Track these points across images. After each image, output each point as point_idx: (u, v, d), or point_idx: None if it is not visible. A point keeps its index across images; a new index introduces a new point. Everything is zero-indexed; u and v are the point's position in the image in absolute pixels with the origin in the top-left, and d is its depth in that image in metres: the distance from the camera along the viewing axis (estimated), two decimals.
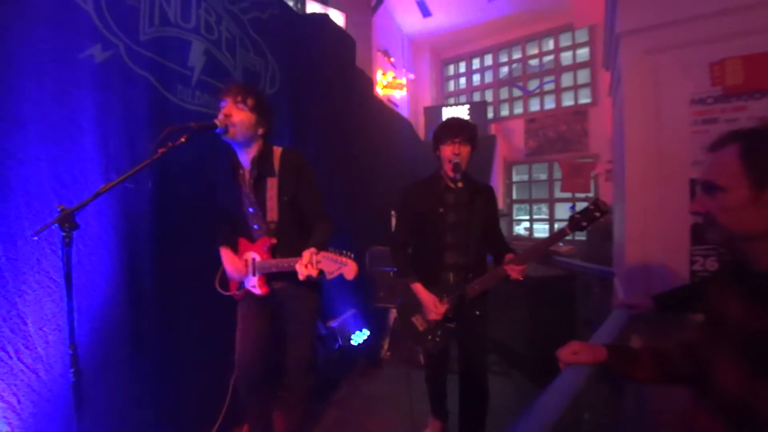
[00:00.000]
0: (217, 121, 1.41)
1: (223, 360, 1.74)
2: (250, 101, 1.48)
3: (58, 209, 1.07)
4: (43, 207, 1.33)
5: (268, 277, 1.57)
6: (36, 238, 1.16)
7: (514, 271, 1.57)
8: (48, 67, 1.35)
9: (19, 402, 1.27)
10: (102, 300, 1.49)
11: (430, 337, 1.75)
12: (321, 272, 1.41)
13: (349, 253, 1.38)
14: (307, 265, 1.35)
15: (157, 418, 1.68)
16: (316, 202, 1.59)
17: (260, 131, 1.54)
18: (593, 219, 1.48)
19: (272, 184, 1.54)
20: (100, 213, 1.48)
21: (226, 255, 1.62)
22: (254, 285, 1.57)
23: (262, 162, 1.54)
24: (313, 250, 1.40)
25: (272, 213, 1.54)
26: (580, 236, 5.73)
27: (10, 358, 1.27)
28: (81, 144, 1.44)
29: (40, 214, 1.31)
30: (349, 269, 1.36)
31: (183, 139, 1.25)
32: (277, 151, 1.59)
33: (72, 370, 1.09)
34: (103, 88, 1.50)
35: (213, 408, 1.83)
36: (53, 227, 1.07)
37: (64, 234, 1.06)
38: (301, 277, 1.40)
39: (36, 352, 1.32)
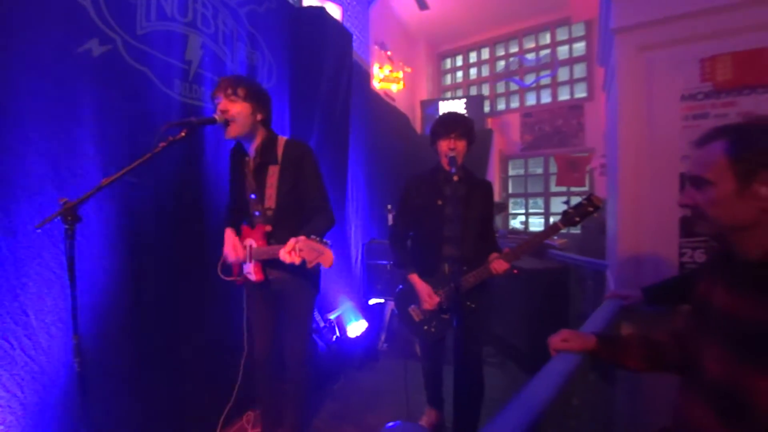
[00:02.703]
0: (216, 116, 1.43)
1: (229, 347, 1.77)
2: (241, 91, 1.48)
3: (61, 203, 1.09)
4: (44, 201, 1.34)
5: (265, 265, 1.59)
6: (39, 231, 1.18)
7: (497, 268, 1.61)
8: (46, 62, 1.36)
9: (22, 392, 1.30)
10: (104, 291, 1.51)
11: (425, 327, 1.79)
12: (303, 260, 1.36)
13: (327, 242, 1.36)
14: (290, 252, 1.32)
15: (163, 407, 1.71)
16: (317, 193, 1.59)
17: (259, 117, 1.55)
18: (586, 214, 1.49)
19: (273, 172, 1.56)
20: (101, 206, 1.50)
21: (227, 235, 1.64)
22: (249, 271, 1.59)
23: (266, 150, 1.56)
24: (300, 237, 1.35)
25: (270, 200, 1.57)
26: (575, 229, 5.79)
27: (13, 349, 1.29)
28: (81, 138, 1.45)
29: (41, 208, 1.32)
30: (326, 258, 1.33)
31: (183, 134, 1.27)
32: (282, 140, 1.61)
33: (76, 359, 1.12)
34: (102, 82, 1.51)
35: (221, 395, 1.86)
36: (55, 220, 1.09)
37: (66, 227, 1.08)
38: (283, 259, 1.36)
39: (38, 343, 1.34)
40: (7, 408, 1.26)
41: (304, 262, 1.37)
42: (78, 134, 1.45)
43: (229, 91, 1.47)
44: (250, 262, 1.59)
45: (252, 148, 1.58)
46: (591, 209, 1.49)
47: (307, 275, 1.65)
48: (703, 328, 0.89)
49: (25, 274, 1.32)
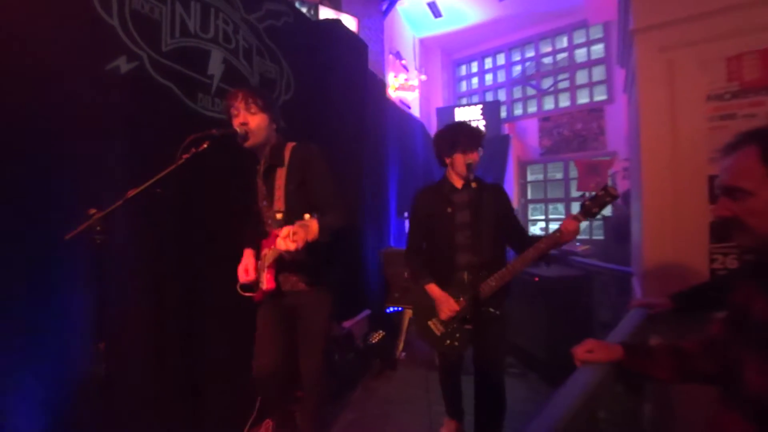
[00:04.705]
0: (237, 128, 1.47)
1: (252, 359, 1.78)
2: (260, 102, 1.51)
3: (89, 214, 1.13)
4: (74, 212, 1.39)
5: (278, 275, 1.57)
6: (68, 241, 1.23)
7: (570, 232, 1.54)
8: (76, 79, 1.43)
9: (48, 399, 1.34)
10: (130, 300, 1.56)
11: (448, 341, 1.74)
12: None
13: (313, 216, 1.29)
14: (285, 238, 1.23)
15: (185, 416, 1.74)
16: (327, 190, 1.54)
17: (274, 126, 1.59)
18: (604, 204, 1.49)
19: (281, 174, 1.56)
20: (127, 217, 1.55)
21: (244, 255, 1.67)
22: (263, 280, 1.58)
23: (274, 154, 1.57)
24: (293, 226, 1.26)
25: (279, 202, 1.55)
26: (598, 236, 5.64)
27: (41, 355, 1.34)
28: (108, 151, 1.52)
29: (71, 219, 1.38)
30: (311, 230, 1.25)
31: (205, 146, 1.30)
32: (290, 145, 1.61)
33: (101, 366, 1.15)
34: (129, 97, 1.58)
35: (244, 405, 1.88)
36: (85, 231, 1.14)
37: (95, 237, 1.12)
38: (279, 247, 1.28)
39: (66, 350, 1.39)
40: (34, 415, 1.31)
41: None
42: (106, 147, 1.51)
43: (250, 100, 1.49)
44: (264, 270, 1.58)
45: (262, 155, 1.60)
46: (608, 199, 1.49)
47: (323, 290, 1.63)
48: (742, 339, 0.84)
49: (55, 283, 1.37)
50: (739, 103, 1.54)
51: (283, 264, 1.56)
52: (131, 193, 1.18)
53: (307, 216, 1.28)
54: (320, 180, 1.55)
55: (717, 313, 1.25)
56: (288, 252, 1.26)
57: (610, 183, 5.40)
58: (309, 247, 1.32)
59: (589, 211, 1.51)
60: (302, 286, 1.60)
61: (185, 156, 1.25)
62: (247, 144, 1.51)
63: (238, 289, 1.69)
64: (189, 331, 1.78)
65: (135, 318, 1.57)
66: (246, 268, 1.64)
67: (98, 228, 1.11)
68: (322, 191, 1.54)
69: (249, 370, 1.68)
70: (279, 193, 1.55)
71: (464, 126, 1.79)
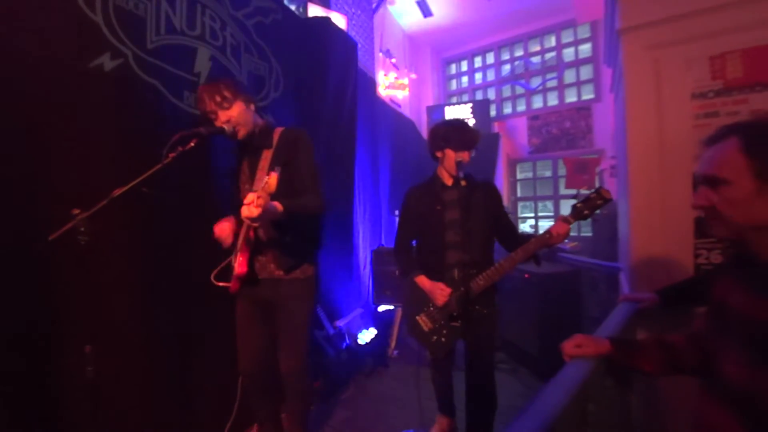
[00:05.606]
0: (225, 126, 1.45)
1: (234, 360, 1.76)
2: (227, 92, 1.46)
3: (74, 214, 1.11)
4: (60, 212, 1.36)
5: (253, 260, 1.52)
6: (53, 241, 1.20)
7: (560, 235, 1.55)
8: (59, 76, 1.39)
9: (34, 402, 1.31)
10: (116, 303, 1.53)
11: (435, 337, 1.74)
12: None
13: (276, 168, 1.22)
14: (248, 204, 1.19)
15: (168, 418, 1.71)
16: (309, 175, 1.52)
17: (252, 107, 1.56)
18: (595, 207, 1.49)
19: (266, 156, 1.54)
20: (113, 217, 1.52)
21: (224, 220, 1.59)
22: (235, 263, 1.49)
23: (261, 136, 1.56)
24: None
25: (258, 183, 1.46)
26: (586, 232, 5.71)
27: (27, 359, 1.31)
28: (93, 150, 1.48)
29: (56, 219, 1.35)
30: (269, 185, 1.18)
31: (192, 144, 1.28)
32: (279, 129, 1.60)
33: (88, 369, 1.13)
34: (114, 95, 1.54)
35: (224, 408, 1.86)
36: (70, 231, 1.11)
37: (79, 237, 1.10)
38: (243, 215, 1.22)
39: (53, 353, 1.36)
40: (21, 418, 1.28)
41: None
42: (90, 146, 1.47)
43: (218, 99, 1.45)
44: (238, 252, 1.50)
45: (250, 137, 1.56)
46: (600, 202, 1.49)
47: (305, 279, 1.58)
48: (720, 331, 0.86)
49: (40, 284, 1.34)
50: (723, 101, 1.58)
51: (258, 247, 1.52)
52: (117, 192, 1.16)
53: (273, 173, 1.19)
54: (303, 162, 1.53)
55: (702, 308, 1.28)
56: (250, 218, 1.20)
57: (597, 181, 5.48)
58: (284, 227, 1.29)
59: (580, 213, 1.52)
60: (280, 273, 1.54)
61: (172, 155, 1.23)
62: (240, 136, 1.49)
63: (212, 280, 1.61)
64: (176, 332, 1.75)
65: (121, 320, 1.54)
66: (220, 224, 1.57)
67: (83, 228, 1.08)
68: (303, 174, 1.52)
69: (234, 371, 1.66)
70: (261, 174, 1.51)
71: (462, 124, 1.78)
